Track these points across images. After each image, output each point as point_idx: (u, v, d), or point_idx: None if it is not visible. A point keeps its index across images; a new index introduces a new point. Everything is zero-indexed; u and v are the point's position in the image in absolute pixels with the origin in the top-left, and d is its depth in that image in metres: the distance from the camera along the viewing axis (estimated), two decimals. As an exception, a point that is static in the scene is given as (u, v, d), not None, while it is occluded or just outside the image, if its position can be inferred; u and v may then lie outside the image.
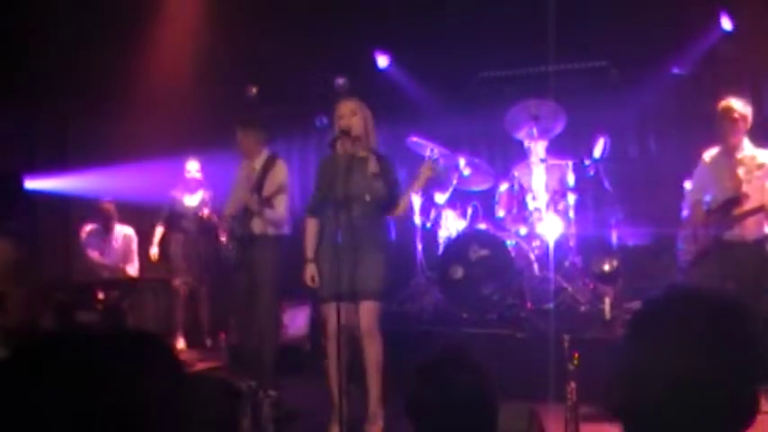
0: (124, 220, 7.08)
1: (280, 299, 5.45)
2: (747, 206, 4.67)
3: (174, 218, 6.99)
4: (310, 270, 4.33)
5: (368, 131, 4.27)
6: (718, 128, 4.77)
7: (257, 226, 5.09)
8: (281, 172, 5.13)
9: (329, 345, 4.22)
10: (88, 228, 6.92)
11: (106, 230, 6.87)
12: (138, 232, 7.15)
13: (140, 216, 7.23)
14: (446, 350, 1.81)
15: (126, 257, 6.94)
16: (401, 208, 4.37)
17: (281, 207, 5.11)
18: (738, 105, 4.72)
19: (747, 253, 4.68)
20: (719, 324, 1.17)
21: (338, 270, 4.09)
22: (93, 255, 6.85)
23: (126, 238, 6.98)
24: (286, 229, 5.23)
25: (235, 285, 5.34)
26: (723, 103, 4.75)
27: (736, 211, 4.69)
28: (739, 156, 4.77)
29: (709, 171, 4.91)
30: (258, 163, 5.17)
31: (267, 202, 5.04)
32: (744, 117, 4.72)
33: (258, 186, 5.05)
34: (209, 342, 7.05)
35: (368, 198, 4.21)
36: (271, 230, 5.13)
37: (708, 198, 4.89)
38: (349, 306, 4.19)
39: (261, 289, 5.14)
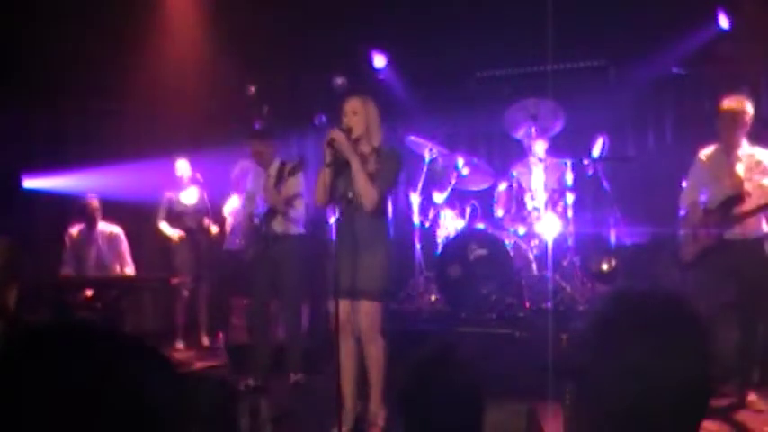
0: (122, 220, 7.03)
1: (303, 294, 5.73)
2: (749, 205, 4.66)
3: (173, 217, 6.96)
4: None
5: (370, 131, 4.21)
6: (728, 125, 4.74)
7: (279, 226, 5.38)
8: (299, 179, 5.39)
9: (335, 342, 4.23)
10: (73, 231, 6.82)
11: (89, 229, 6.77)
12: (136, 232, 7.10)
13: (138, 216, 7.21)
14: (434, 348, 1.81)
15: (119, 259, 6.83)
16: (364, 198, 4.09)
17: (300, 207, 5.45)
18: (749, 106, 4.74)
19: (747, 252, 4.68)
20: (670, 323, 1.17)
21: (338, 269, 4.10)
22: (68, 271, 6.76)
23: (111, 239, 6.83)
24: (303, 229, 5.53)
25: (254, 282, 5.51)
26: (737, 103, 4.74)
27: (737, 210, 4.68)
28: (739, 153, 4.76)
29: (706, 170, 4.89)
30: (273, 169, 5.47)
31: (289, 202, 5.36)
32: (750, 118, 4.74)
33: (278, 189, 5.36)
34: (206, 341, 7.03)
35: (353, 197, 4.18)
36: (293, 230, 5.44)
37: (704, 197, 4.88)
38: (352, 305, 4.20)
39: (287, 288, 5.44)
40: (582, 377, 1.20)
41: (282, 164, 5.46)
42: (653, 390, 1.13)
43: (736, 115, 4.70)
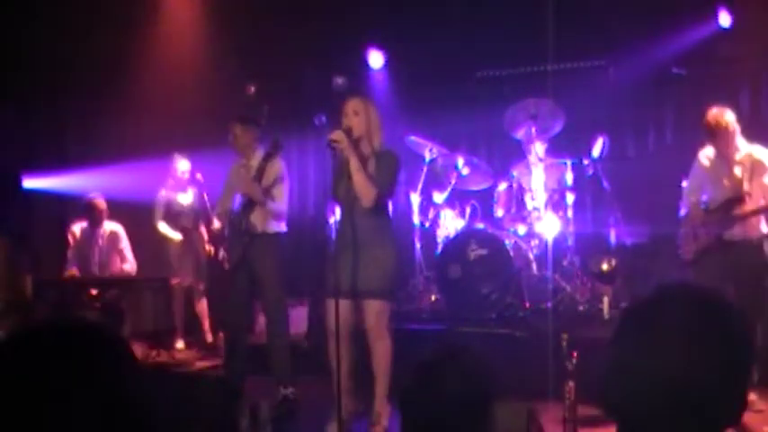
0: (122, 220, 7.04)
1: (285, 296, 5.42)
2: (750, 205, 4.66)
3: (171, 217, 6.96)
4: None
5: (370, 131, 4.22)
6: (715, 141, 4.74)
7: (258, 222, 5.04)
8: (278, 165, 5.10)
9: (329, 343, 4.22)
10: (76, 230, 6.82)
11: (93, 229, 6.78)
12: (136, 231, 7.11)
13: (138, 215, 7.21)
14: (442, 348, 1.80)
15: (118, 256, 6.84)
16: (362, 197, 4.11)
17: (281, 198, 5.10)
18: (729, 117, 4.68)
19: (747, 252, 4.68)
20: (709, 322, 1.16)
21: (339, 268, 4.09)
22: (71, 270, 6.76)
23: (112, 237, 6.84)
24: (284, 226, 5.24)
25: (234, 284, 5.23)
26: (716, 118, 4.68)
27: (738, 211, 4.68)
28: (737, 158, 4.76)
29: (707, 170, 4.90)
30: (254, 160, 5.13)
31: (268, 192, 5.01)
32: (735, 126, 4.71)
33: (258, 180, 5.00)
34: (209, 340, 7.04)
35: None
36: (271, 228, 5.11)
37: (705, 197, 4.89)
38: (351, 304, 4.19)
39: (267, 288, 5.13)
40: (616, 369, 1.20)
41: (266, 155, 5.08)
42: (684, 384, 1.12)
43: (725, 128, 4.67)
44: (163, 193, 6.96)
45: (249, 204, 5.02)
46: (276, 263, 5.15)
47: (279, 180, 5.07)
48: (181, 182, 6.95)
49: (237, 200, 5.12)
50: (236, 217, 5.10)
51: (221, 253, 6.70)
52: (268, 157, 4.99)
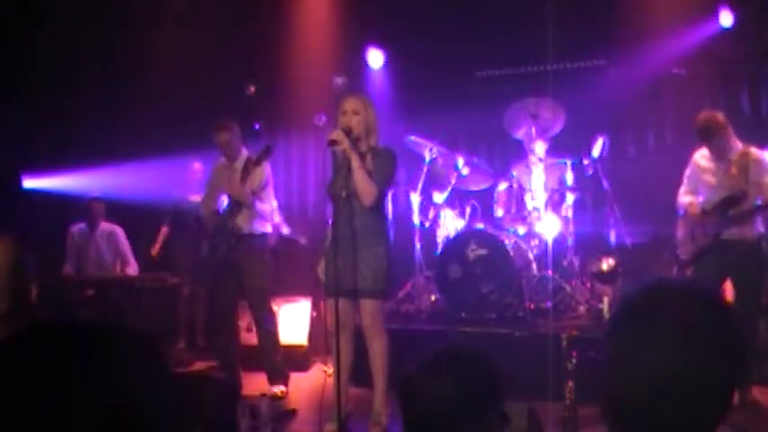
0: (123, 220, 7.04)
1: (271, 296, 5.44)
2: (746, 205, 4.66)
3: (180, 217, 6.97)
4: (321, 264, 4.44)
5: (369, 130, 4.25)
6: (710, 143, 4.75)
7: (244, 224, 5.09)
8: (264, 168, 5.14)
9: (331, 342, 4.24)
10: (74, 231, 6.83)
11: (91, 230, 6.78)
12: (137, 232, 7.11)
13: (139, 215, 7.21)
14: (443, 347, 1.79)
15: (119, 258, 6.85)
16: (363, 195, 4.16)
17: (268, 199, 5.17)
18: (720, 118, 4.71)
19: (745, 251, 4.69)
20: (701, 316, 1.17)
21: (336, 267, 4.10)
22: (69, 271, 6.78)
23: (111, 238, 6.85)
24: (269, 227, 5.26)
25: (219, 284, 5.26)
26: (707, 120, 4.71)
27: (735, 211, 4.68)
28: (732, 157, 4.76)
29: (703, 171, 4.90)
30: (239, 163, 5.17)
31: (255, 194, 5.06)
32: (727, 126, 4.72)
33: (244, 183, 5.04)
34: (202, 342, 7.04)
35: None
36: (256, 229, 5.15)
37: (701, 198, 4.89)
38: (351, 303, 4.20)
39: (253, 288, 5.15)
40: (607, 360, 1.20)
41: (249, 158, 5.12)
42: (677, 378, 1.12)
43: (716, 129, 4.68)
44: (173, 197, 7.00)
45: (236, 206, 5.06)
46: (262, 263, 5.20)
47: (265, 183, 5.13)
48: (194, 185, 6.96)
49: (221, 200, 5.15)
50: (220, 217, 5.13)
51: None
52: (257, 161, 5.00)
